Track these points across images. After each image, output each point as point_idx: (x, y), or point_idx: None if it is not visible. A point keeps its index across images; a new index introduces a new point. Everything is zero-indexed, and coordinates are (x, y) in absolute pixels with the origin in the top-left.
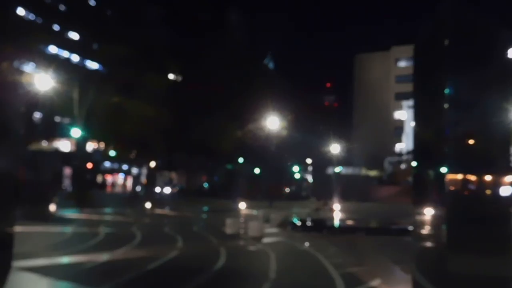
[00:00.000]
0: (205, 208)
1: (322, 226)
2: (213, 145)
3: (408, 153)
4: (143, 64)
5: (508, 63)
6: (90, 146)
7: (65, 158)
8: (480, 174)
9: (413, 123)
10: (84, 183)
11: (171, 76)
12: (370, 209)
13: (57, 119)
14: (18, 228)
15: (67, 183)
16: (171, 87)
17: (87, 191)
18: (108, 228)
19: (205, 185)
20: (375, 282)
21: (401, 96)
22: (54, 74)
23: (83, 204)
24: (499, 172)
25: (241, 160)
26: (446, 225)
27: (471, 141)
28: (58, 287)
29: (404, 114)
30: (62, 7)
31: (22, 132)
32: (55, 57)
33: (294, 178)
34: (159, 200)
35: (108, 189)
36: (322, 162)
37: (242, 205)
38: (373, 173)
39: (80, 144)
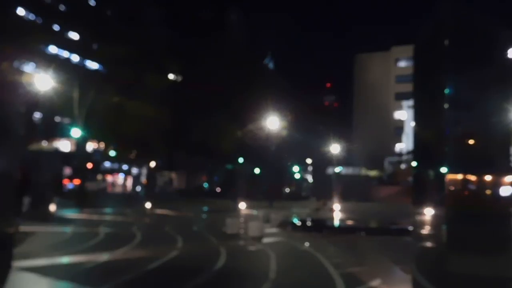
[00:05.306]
0: (205, 208)
1: (322, 226)
2: (213, 145)
3: (408, 153)
4: (143, 64)
5: (508, 63)
6: (90, 146)
7: (65, 158)
8: (480, 174)
9: (413, 123)
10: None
11: (171, 76)
12: (370, 209)
13: (57, 119)
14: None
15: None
16: (171, 87)
17: (87, 191)
18: (108, 228)
19: (205, 185)
20: (375, 282)
21: (401, 96)
22: (54, 74)
23: (83, 204)
24: (499, 172)
25: (241, 160)
26: (446, 225)
27: (471, 141)
28: (58, 287)
29: (404, 114)
30: (62, 7)
31: (22, 132)
32: (55, 57)
33: (294, 178)
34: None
35: (108, 189)
36: (322, 162)
37: (242, 205)
38: (373, 173)
39: (80, 144)
